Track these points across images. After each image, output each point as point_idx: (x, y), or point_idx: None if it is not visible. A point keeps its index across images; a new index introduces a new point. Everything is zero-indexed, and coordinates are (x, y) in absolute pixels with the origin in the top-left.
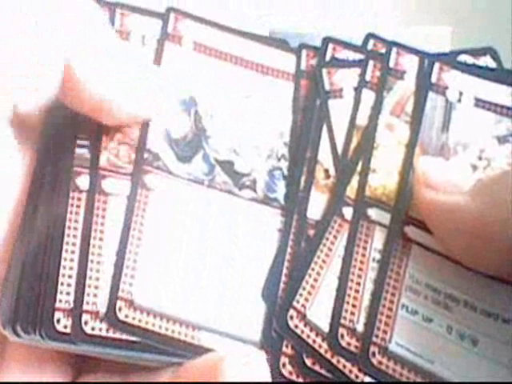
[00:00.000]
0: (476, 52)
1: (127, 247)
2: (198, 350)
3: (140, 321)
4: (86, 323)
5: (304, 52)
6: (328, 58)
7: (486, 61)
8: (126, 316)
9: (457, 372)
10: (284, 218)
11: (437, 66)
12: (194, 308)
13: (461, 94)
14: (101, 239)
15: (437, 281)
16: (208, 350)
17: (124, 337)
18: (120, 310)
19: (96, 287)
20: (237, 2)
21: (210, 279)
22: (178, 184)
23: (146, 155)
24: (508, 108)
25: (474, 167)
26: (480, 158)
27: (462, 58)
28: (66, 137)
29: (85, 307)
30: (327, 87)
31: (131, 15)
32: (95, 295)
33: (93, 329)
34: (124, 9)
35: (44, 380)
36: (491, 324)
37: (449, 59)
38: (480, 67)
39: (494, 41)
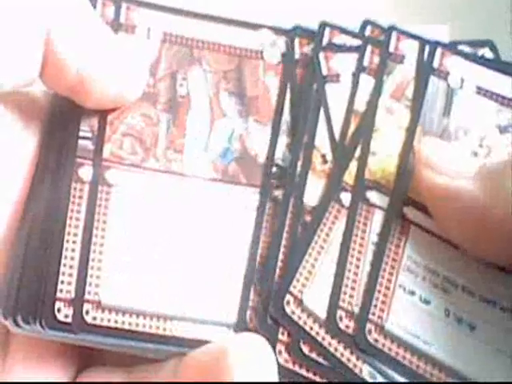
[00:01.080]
0: (475, 44)
1: (91, 246)
2: (173, 341)
3: (109, 321)
4: (87, 313)
5: (297, 40)
6: (325, 42)
7: (485, 53)
8: (94, 318)
9: (453, 355)
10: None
11: (439, 51)
12: (162, 299)
13: (462, 80)
14: (103, 229)
15: (435, 263)
16: (182, 340)
17: (126, 326)
18: (87, 312)
19: (98, 277)
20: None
21: (176, 267)
22: (141, 176)
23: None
24: (509, 99)
25: (475, 154)
26: (481, 146)
27: (461, 48)
28: (69, 126)
29: (86, 297)
30: (324, 72)
31: (136, 9)
32: (97, 285)
33: (94, 318)
34: (129, 2)
35: (47, 374)
36: (489, 311)
37: (450, 46)
38: (481, 57)
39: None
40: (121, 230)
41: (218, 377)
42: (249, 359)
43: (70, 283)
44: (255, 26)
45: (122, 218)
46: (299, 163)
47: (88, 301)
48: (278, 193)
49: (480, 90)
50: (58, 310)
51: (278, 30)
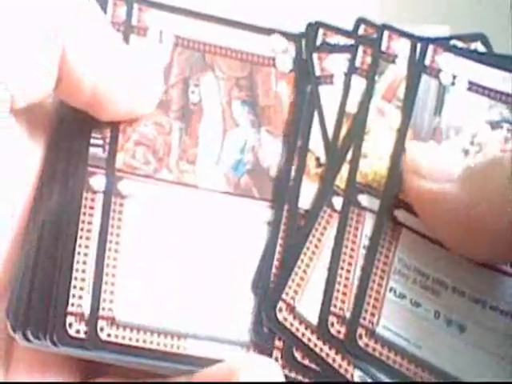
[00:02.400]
0: (467, 38)
1: (105, 261)
2: (186, 360)
3: (123, 338)
4: (101, 329)
5: (303, 42)
6: (318, 43)
7: (477, 46)
8: (109, 335)
9: (443, 357)
10: (273, 209)
11: (430, 48)
12: (177, 316)
13: (454, 77)
14: (117, 243)
15: (426, 265)
16: (195, 358)
17: (141, 344)
18: (102, 329)
19: (112, 292)
20: None
21: (192, 285)
22: (154, 188)
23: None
24: (501, 93)
25: (466, 152)
26: (472, 143)
27: (453, 43)
28: (78, 135)
29: (101, 313)
30: (318, 73)
31: (149, 10)
32: (111, 301)
33: (109, 335)
34: (141, 3)
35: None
36: (479, 311)
37: (442, 43)
38: (473, 51)
39: (492, 40)
40: (135, 244)
41: None
42: (258, 380)
43: (81, 297)
44: (267, 31)
45: (136, 231)
46: (293, 167)
47: (102, 317)
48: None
49: (472, 86)
50: (70, 325)
51: (289, 36)
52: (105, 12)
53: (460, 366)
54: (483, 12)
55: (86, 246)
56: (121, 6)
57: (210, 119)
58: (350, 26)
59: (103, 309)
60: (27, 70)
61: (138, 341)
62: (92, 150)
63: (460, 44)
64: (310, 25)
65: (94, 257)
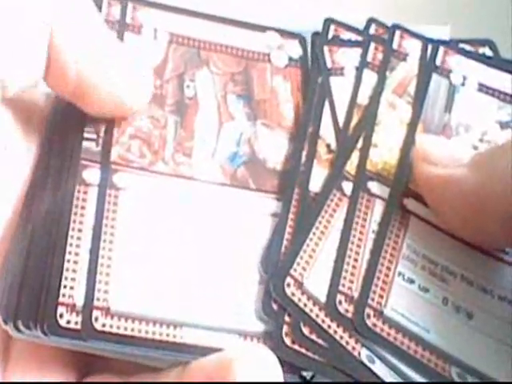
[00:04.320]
0: (475, 42)
1: (99, 251)
2: (182, 348)
3: (118, 327)
4: (96, 319)
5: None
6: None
7: (485, 52)
8: (104, 325)
9: (451, 343)
10: (282, 194)
11: (441, 49)
12: (173, 305)
13: (464, 78)
14: (112, 234)
15: (434, 253)
16: (191, 347)
17: (136, 333)
18: (96, 319)
19: (106, 283)
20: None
21: (187, 272)
22: (150, 180)
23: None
24: (511, 95)
25: (475, 148)
26: (481, 141)
27: (462, 46)
28: (71, 129)
29: (95, 303)
30: (329, 65)
31: (143, 9)
32: (106, 291)
33: (104, 325)
34: (135, 2)
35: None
36: (487, 300)
37: (452, 45)
38: (482, 55)
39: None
40: (130, 235)
41: (222, 379)
42: (253, 370)
43: (72, 288)
44: (262, 28)
45: (131, 222)
46: (304, 152)
47: (97, 307)
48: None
49: (481, 87)
50: (61, 316)
51: (284, 33)
52: (100, 11)
53: (467, 351)
54: (484, 12)
55: (78, 238)
56: (115, 5)
57: (205, 112)
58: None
59: (98, 299)
60: (16, 55)
61: (133, 330)
62: (85, 143)
63: (468, 48)
64: (325, 20)
65: (87, 248)
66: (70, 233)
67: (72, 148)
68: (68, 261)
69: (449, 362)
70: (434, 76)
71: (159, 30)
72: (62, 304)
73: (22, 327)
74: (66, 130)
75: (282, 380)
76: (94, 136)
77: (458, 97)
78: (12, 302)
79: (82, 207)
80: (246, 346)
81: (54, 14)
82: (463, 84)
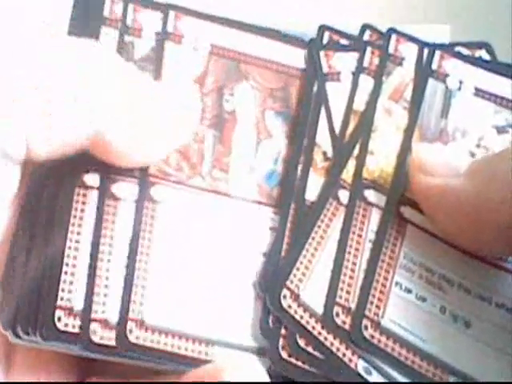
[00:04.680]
0: (472, 45)
1: (136, 265)
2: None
3: (152, 341)
4: (94, 332)
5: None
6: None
7: (482, 55)
8: (137, 338)
9: (449, 352)
10: (282, 203)
11: (437, 53)
12: (205, 323)
13: (461, 82)
14: (148, 247)
15: (431, 262)
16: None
17: (169, 348)
18: (131, 331)
19: (105, 295)
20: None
21: (221, 292)
22: (187, 194)
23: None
24: (508, 100)
25: (472, 154)
26: (478, 146)
27: (458, 49)
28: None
29: (93, 316)
30: (325, 70)
31: (184, 18)
32: (104, 303)
33: (101, 338)
34: (177, 10)
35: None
36: (485, 307)
37: (448, 49)
38: (479, 59)
39: (492, 39)
40: (165, 249)
41: None
42: (241, 380)
43: (70, 291)
44: (303, 44)
45: (167, 236)
46: (301, 160)
47: (95, 320)
48: None
49: (478, 92)
50: (59, 319)
51: None
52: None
53: (465, 361)
54: (484, 12)
55: (77, 241)
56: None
57: (243, 128)
58: (351, 28)
59: (133, 311)
60: (55, 128)
61: (158, 343)
62: None
63: (465, 51)
64: (319, 27)
65: (87, 254)
66: (69, 236)
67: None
68: (67, 264)
69: (446, 372)
70: (431, 81)
71: (200, 41)
72: (60, 307)
73: (20, 332)
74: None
75: None
76: None
77: (454, 101)
78: (12, 307)
79: (82, 210)
80: (235, 356)
81: (101, 103)
82: (459, 88)
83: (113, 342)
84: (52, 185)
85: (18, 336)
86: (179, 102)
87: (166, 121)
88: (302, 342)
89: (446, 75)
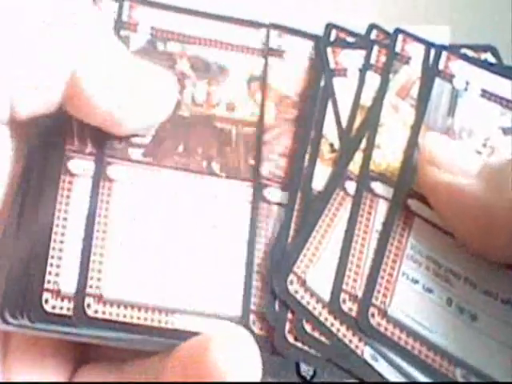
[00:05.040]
0: (477, 48)
1: (93, 241)
2: (173, 334)
3: (110, 314)
4: (88, 306)
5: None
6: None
7: (487, 57)
8: (96, 311)
9: (456, 343)
10: (285, 191)
11: (444, 54)
12: (165, 292)
13: (467, 83)
14: (105, 224)
15: (438, 255)
16: (183, 333)
17: (127, 320)
18: (89, 306)
19: (99, 271)
20: None
21: (178, 260)
22: (144, 172)
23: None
24: None
25: (479, 153)
26: (484, 146)
27: (464, 51)
28: (57, 122)
29: (88, 290)
30: (332, 66)
31: (139, 7)
32: (99, 279)
33: (96, 311)
34: (132, 0)
35: (45, 371)
36: (490, 303)
37: (454, 50)
38: (485, 61)
39: (493, 40)
40: (123, 223)
41: (202, 367)
42: (229, 347)
43: (58, 274)
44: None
45: (123, 211)
46: (308, 151)
47: (90, 294)
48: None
49: (484, 93)
50: (46, 301)
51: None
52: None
53: (471, 353)
54: (484, 12)
55: (63, 226)
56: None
57: None
58: (354, 29)
59: (90, 286)
60: (33, 82)
61: (124, 316)
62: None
63: (470, 53)
64: (326, 25)
65: (75, 236)
66: (55, 221)
67: (55, 136)
68: (53, 248)
69: (453, 363)
70: (437, 80)
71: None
72: (48, 290)
73: (8, 317)
74: (51, 125)
75: (258, 358)
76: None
77: (460, 101)
78: None
79: (68, 196)
80: (222, 326)
81: (76, 47)
82: (466, 89)
83: (70, 313)
84: (39, 166)
85: (6, 322)
86: (156, 70)
87: (144, 82)
88: (308, 327)
89: (453, 76)
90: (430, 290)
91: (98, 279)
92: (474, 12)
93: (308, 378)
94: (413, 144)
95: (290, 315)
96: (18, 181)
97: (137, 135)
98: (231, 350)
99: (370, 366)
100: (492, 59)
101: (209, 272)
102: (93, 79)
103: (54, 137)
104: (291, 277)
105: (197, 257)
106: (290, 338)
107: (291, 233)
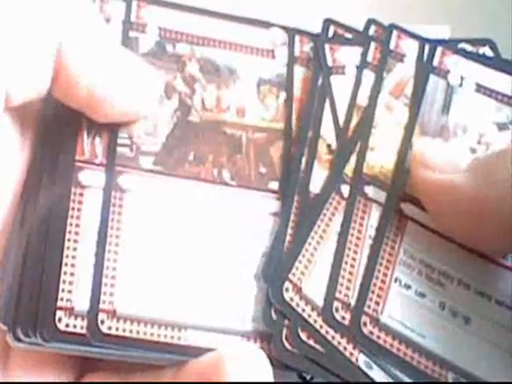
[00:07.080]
0: (475, 42)
1: (105, 254)
2: (187, 351)
3: (124, 330)
4: (102, 322)
5: (297, 37)
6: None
7: (485, 51)
8: (110, 328)
9: (448, 348)
10: (283, 196)
11: (439, 50)
12: (178, 308)
13: (462, 78)
14: (117, 237)
15: (431, 258)
16: (196, 349)
17: (141, 336)
18: (102, 322)
19: (112, 285)
20: None
21: (193, 276)
22: (155, 181)
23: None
24: (509, 97)
25: (473, 150)
26: (479, 142)
27: (462, 46)
28: (67, 130)
29: (101, 306)
30: (330, 63)
31: (147, 6)
32: (111, 294)
33: (109, 328)
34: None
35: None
36: (484, 304)
37: (450, 45)
38: (481, 55)
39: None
40: (134, 236)
41: (213, 377)
42: (243, 367)
43: (70, 291)
44: (265, 25)
45: (135, 224)
46: (305, 152)
47: (103, 310)
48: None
49: (479, 88)
50: (59, 320)
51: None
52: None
53: (464, 357)
54: (484, 12)
55: (75, 241)
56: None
57: None
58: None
59: (103, 302)
60: (22, 67)
61: (138, 333)
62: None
63: (468, 48)
64: (324, 21)
65: (87, 252)
66: (67, 236)
67: (66, 149)
68: (66, 264)
69: (445, 368)
70: (432, 77)
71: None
72: (61, 308)
73: (21, 335)
74: (61, 131)
75: (271, 376)
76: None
77: (455, 98)
78: (11, 310)
79: (79, 210)
80: (237, 344)
81: (61, 25)
82: (461, 85)
83: (84, 331)
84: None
85: (18, 339)
86: (141, 62)
87: (127, 68)
88: (303, 335)
89: (447, 71)
90: (422, 295)
91: (111, 294)
92: (473, 12)
93: (308, 378)
94: (406, 145)
95: (286, 322)
96: (22, 176)
97: (118, 126)
98: (244, 367)
99: (364, 373)
100: (490, 53)
101: (221, 287)
102: (77, 52)
103: (64, 143)
104: (287, 284)
105: (209, 270)
106: (288, 345)
107: (288, 238)
